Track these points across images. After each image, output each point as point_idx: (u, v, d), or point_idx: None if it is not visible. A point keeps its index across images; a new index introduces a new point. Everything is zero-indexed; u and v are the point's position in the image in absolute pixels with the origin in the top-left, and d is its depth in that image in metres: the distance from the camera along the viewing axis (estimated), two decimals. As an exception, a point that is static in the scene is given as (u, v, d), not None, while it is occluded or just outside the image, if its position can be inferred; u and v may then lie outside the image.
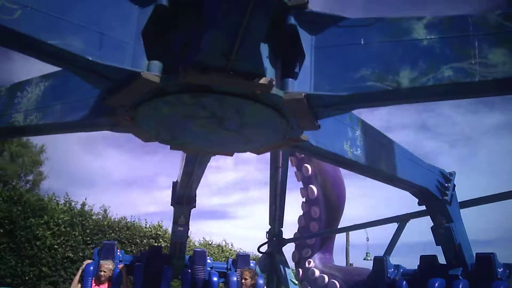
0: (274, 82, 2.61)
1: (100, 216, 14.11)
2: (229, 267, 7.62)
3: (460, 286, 5.54)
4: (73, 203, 13.78)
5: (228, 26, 2.26)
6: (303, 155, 12.91)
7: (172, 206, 8.14)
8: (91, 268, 6.60)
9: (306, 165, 13.47)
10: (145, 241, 14.26)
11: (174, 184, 7.89)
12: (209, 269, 7.40)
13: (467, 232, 6.28)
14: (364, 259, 20.16)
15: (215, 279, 7.08)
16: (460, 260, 5.96)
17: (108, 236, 13.25)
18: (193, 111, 2.98)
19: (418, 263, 6.53)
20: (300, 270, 13.41)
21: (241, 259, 7.62)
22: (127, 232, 13.91)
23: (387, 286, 6.51)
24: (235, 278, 6.96)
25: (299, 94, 2.77)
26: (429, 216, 6.30)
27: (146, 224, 15.53)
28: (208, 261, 7.54)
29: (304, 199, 13.97)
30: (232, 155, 4.13)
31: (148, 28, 2.62)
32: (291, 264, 13.44)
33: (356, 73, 2.71)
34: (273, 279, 9.67)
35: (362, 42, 2.73)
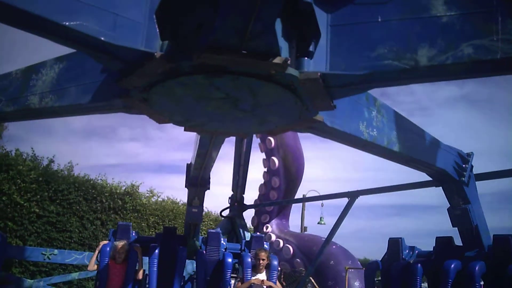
0: (289, 62, 2.56)
1: (65, 172, 14.08)
2: (243, 248, 7.67)
3: (477, 268, 5.49)
4: (39, 159, 13.79)
5: (242, 5, 2.21)
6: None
7: (186, 188, 8.21)
8: (108, 249, 6.69)
9: (269, 137, 14.73)
10: (110, 201, 14.40)
11: (188, 166, 7.92)
12: (223, 250, 7.45)
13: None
14: (318, 223, 21.13)
15: (229, 260, 7.13)
16: (477, 241, 5.90)
17: (74, 194, 13.47)
18: (207, 92, 2.96)
19: (434, 245, 6.49)
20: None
21: (255, 240, 7.67)
22: (93, 190, 14.02)
23: (402, 267, 6.49)
24: (249, 259, 7.01)
25: (314, 74, 2.72)
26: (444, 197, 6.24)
27: (114, 181, 15.54)
28: (223, 242, 7.60)
29: (265, 169, 15.58)
30: (246, 137, 4.12)
31: (162, 8, 2.59)
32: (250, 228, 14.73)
33: (373, 52, 2.65)
34: (232, 241, 10.08)
35: (379, 20, 2.66)
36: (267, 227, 15.26)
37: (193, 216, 7.97)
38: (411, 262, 6.47)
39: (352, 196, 8.29)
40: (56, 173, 13.67)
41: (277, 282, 6.90)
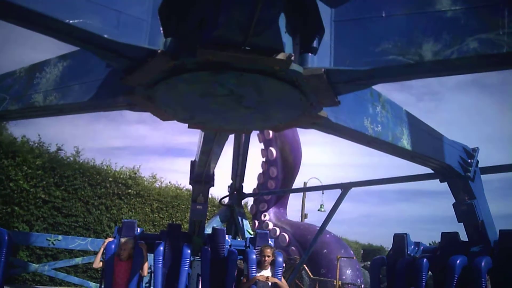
0: (293, 58, 2.55)
1: (71, 158, 14.36)
2: (247, 245, 7.67)
3: (483, 263, 5.47)
4: (45, 147, 14.04)
5: (245, 1, 2.20)
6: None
7: (190, 185, 8.22)
8: (113, 246, 6.71)
9: None
10: (114, 186, 14.56)
11: (192, 163, 7.93)
12: (228, 247, 7.45)
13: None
14: (318, 210, 21.65)
15: (234, 256, 7.13)
16: (482, 237, 5.88)
17: (79, 180, 13.72)
18: (211, 88, 2.96)
19: (439, 240, 6.48)
20: (256, 222, 15.88)
21: (260, 237, 7.66)
22: (97, 176, 14.26)
23: (408, 263, 6.48)
24: (254, 256, 7.01)
25: (318, 70, 2.71)
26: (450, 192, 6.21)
27: (117, 167, 15.69)
28: (227, 239, 7.60)
29: (264, 159, 16.10)
30: (250, 133, 4.11)
31: (165, 5, 2.58)
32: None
33: (377, 47, 2.63)
34: (231, 229, 10.38)
35: (384, 15, 2.64)
36: (265, 215, 15.72)
37: (198, 213, 7.98)
38: (417, 257, 6.46)
39: (345, 187, 8.48)
40: (61, 160, 13.92)
41: (282, 279, 6.90)
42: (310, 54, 2.74)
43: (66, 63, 4.01)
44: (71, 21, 2.30)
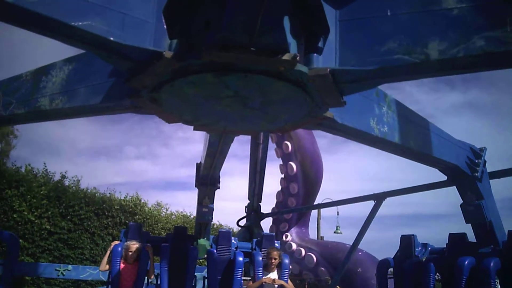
0: (298, 58, 2.54)
1: (73, 187, 13.95)
2: (254, 247, 7.65)
3: (491, 264, 5.42)
4: (50, 175, 13.70)
5: (250, 1, 2.20)
6: (283, 132, 12.91)
7: (196, 187, 8.23)
8: (119, 249, 6.71)
9: (286, 142, 14.41)
10: (121, 215, 14.24)
11: (198, 166, 7.94)
12: (234, 249, 7.44)
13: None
14: (334, 232, 20.90)
15: (240, 259, 7.12)
16: (491, 237, 5.83)
17: (85, 209, 13.40)
18: (216, 90, 2.95)
19: (447, 241, 6.43)
20: (277, 243, 14.64)
21: (266, 239, 7.64)
22: (103, 205, 13.90)
23: (415, 265, 6.44)
24: (260, 258, 6.98)
25: (324, 70, 2.70)
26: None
27: (121, 196, 15.39)
28: (233, 241, 7.58)
29: (283, 175, 15.06)
30: (256, 135, 4.10)
31: (170, 7, 2.58)
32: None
33: (383, 46, 2.61)
34: None
35: (389, 14, 2.63)
36: (286, 236, 14.68)
37: (204, 215, 7.98)
38: (424, 260, 6.41)
39: (379, 198, 8.01)
40: (66, 189, 13.54)
41: (289, 281, 6.87)
42: (315, 54, 2.73)
43: (72, 66, 4.03)
44: (76, 24, 2.31)
